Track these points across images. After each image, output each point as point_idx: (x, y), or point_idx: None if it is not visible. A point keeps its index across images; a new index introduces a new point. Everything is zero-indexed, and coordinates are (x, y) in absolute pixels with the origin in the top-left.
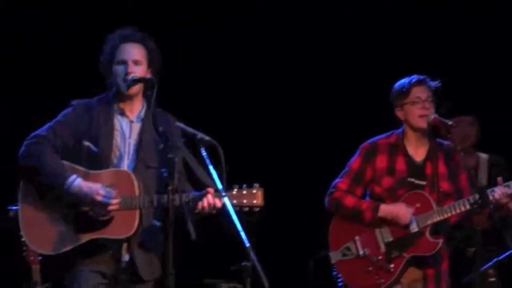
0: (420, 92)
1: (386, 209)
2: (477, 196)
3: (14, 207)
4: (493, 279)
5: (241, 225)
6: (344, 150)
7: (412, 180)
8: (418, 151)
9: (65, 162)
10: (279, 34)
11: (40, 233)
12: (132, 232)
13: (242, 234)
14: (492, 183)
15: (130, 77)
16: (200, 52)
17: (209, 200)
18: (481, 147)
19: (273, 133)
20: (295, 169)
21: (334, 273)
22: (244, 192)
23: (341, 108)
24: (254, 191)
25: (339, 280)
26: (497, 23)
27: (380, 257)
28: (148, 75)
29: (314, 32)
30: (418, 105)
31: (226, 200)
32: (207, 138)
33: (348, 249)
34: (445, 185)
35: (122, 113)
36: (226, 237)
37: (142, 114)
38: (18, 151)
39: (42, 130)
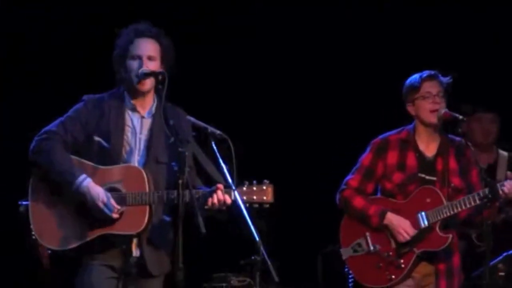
0: (431, 87)
1: (391, 220)
2: (487, 190)
3: (24, 202)
4: (502, 273)
5: (251, 219)
6: (355, 145)
7: (423, 175)
8: (429, 147)
9: (76, 158)
10: (290, 27)
11: (50, 229)
12: (142, 228)
13: (252, 228)
14: None
15: (140, 71)
16: (212, 46)
17: (219, 196)
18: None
19: (284, 128)
20: (305, 164)
21: (346, 269)
22: (254, 188)
23: (353, 104)
24: (264, 188)
25: (350, 276)
26: None
27: (390, 253)
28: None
29: (325, 26)
30: (428, 99)
31: (236, 194)
32: (218, 132)
33: (359, 245)
34: (456, 181)
35: (133, 109)
36: (235, 232)
37: (153, 109)
38: (28, 146)
39: (53, 126)
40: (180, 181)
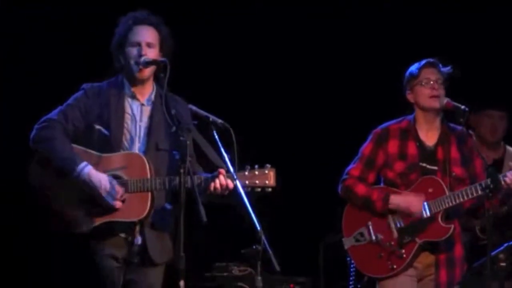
0: (429, 74)
1: (396, 200)
2: (489, 180)
3: None
4: (504, 263)
5: (252, 208)
6: (357, 135)
7: (424, 165)
8: (429, 136)
9: (77, 146)
10: (290, 16)
11: (54, 212)
12: (145, 214)
13: (254, 217)
14: None
15: (142, 59)
16: (212, 34)
17: (221, 181)
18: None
19: (285, 117)
20: (306, 154)
21: (348, 259)
22: (256, 172)
23: (355, 93)
24: (266, 171)
25: (352, 265)
26: None
27: (392, 243)
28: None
29: (325, 17)
30: (427, 85)
31: (238, 184)
32: (219, 121)
33: (361, 234)
34: (457, 170)
35: (133, 96)
36: (236, 220)
37: (153, 97)
38: (29, 134)
39: (53, 114)
40: (181, 170)
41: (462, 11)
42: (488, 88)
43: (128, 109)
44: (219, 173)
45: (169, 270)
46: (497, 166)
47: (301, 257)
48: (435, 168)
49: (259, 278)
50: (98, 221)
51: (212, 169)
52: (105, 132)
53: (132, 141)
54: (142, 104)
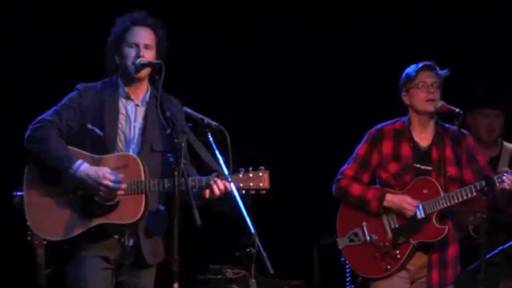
0: (426, 77)
1: (391, 199)
2: (483, 182)
3: (19, 193)
4: (497, 266)
5: (246, 210)
6: (351, 136)
7: (418, 165)
8: (423, 137)
9: (71, 147)
10: (287, 19)
11: (45, 219)
12: (139, 216)
13: (248, 220)
14: None
15: (138, 61)
16: (207, 37)
17: (218, 184)
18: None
19: (279, 119)
20: (301, 155)
21: (342, 259)
22: (251, 175)
23: (350, 95)
24: (261, 174)
25: (346, 266)
26: None
27: (386, 243)
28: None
29: (322, 18)
30: (423, 89)
31: (232, 186)
32: (214, 123)
33: (356, 235)
34: (452, 170)
35: (127, 97)
36: (230, 223)
37: (147, 97)
38: (23, 135)
39: (47, 114)
40: (175, 173)
41: (458, 11)
42: (483, 86)
43: (122, 110)
44: (217, 174)
45: (163, 272)
46: (494, 163)
47: (295, 259)
48: (429, 168)
49: (253, 280)
50: (92, 223)
51: (206, 171)
52: (99, 132)
53: (126, 142)
54: (137, 105)
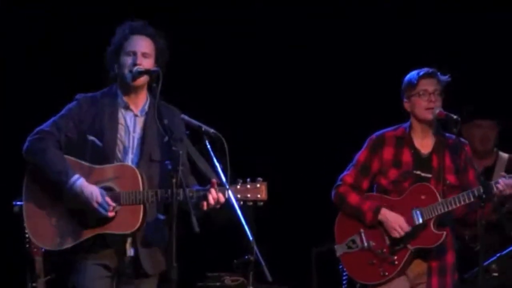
0: (427, 85)
1: (385, 215)
2: (481, 188)
3: (19, 202)
4: (496, 274)
5: (244, 219)
6: (349, 143)
7: (418, 172)
8: (424, 144)
9: (70, 158)
10: (284, 26)
11: (44, 229)
12: (137, 227)
13: (246, 227)
14: None
15: (135, 68)
16: (205, 45)
17: (213, 194)
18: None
19: (278, 125)
20: (300, 161)
21: (340, 267)
22: (248, 186)
23: (349, 101)
24: (258, 185)
25: (344, 273)
26: None
27: (384, 250)
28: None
29: (320, 22)
30: (424, 97)
31: (230, 193)
32: (212, 130)
33: (353, 241)
34: (451, 178)
35: (126, 107)
36: (229, 231)
37: (146, 107)
38: (22, 146)
39: (46, 125)
40: (173, 180)
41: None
42: (477, 97)
43: (121, 120)
44: (211, 185)
45: (162, 280)
46: (488, 173)
47: (293, 266)
48: (429, 175)
49: None
50: (90, 234)
51: (203, 181)
52: (99, 143)
53: (125, 152)
54: (136, 115)
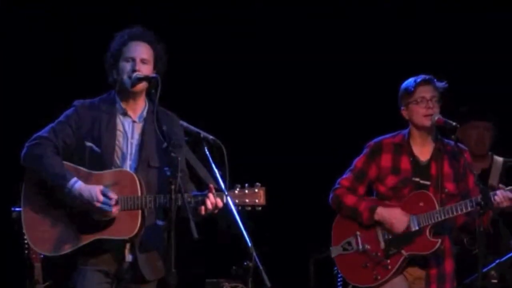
0: (425, 92)
1: (382, 213)
2: (479, 197)
3: (17, 209)
4: (495, 280)
5: (243, 225)
6: (348, 150)
7: (417, 180)
8: (423, 151)
9: (68, 163)
10: (283, 30)
11: (42, 234)
12: (135, 232)
13: (245, 233)
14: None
15: (134, 75)
16: (204, 51)
17: (211, 199)
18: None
19: (276, 132)
20: (297, 168)
21: (335, 269)
22: (246, 191)
23: (348, 107)
24: (256, 191)
25: (339, 275)
26: None
27: (379, 253)
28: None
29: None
30: (422, 104)
31: (228, 200)
32: (211, 137)
33: (349, 243)
34: (450, 186)
35: (125, 113)
36: (228, 237)
37: (145, 113)
38: (20, 152)
39: (44, 131)
40: (172, 186)
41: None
42: (473, 99)
43: (119, 126)
44: (209, 190)
45: (161, 286)
46: (484, 176)
47: (291, 272)
48: (428, 183)
49: None
50: (89, 239)
51: (202, 187)
52: (97, 149)
53: (123, 158)
54: (134, 121)
